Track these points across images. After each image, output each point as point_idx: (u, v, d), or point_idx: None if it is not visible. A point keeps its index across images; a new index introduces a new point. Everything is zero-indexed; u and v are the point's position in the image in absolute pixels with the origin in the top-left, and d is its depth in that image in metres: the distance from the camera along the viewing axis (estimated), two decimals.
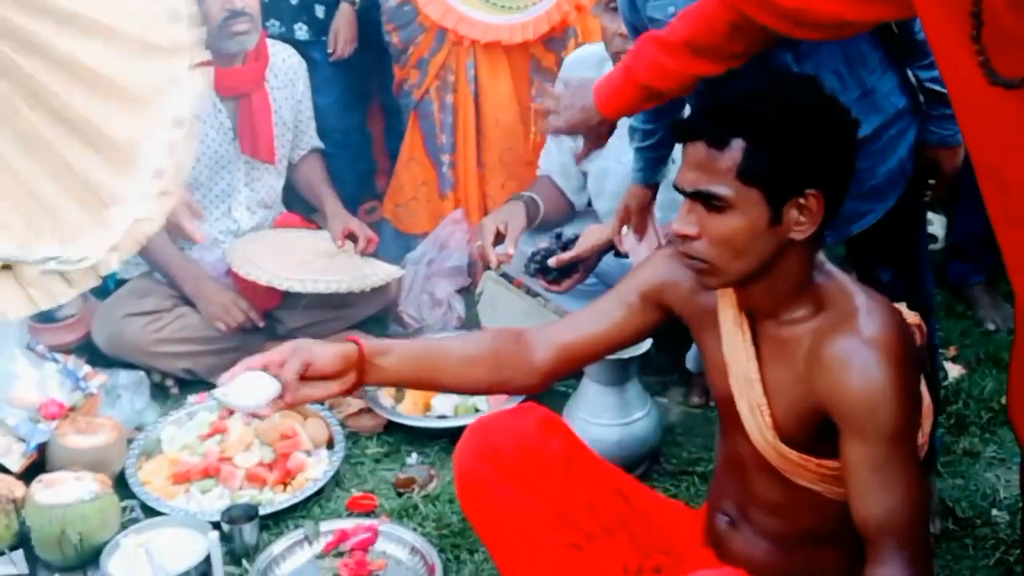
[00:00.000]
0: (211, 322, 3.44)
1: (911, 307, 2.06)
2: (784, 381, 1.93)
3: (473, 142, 3.83)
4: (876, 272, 2.84)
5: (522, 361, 2.09)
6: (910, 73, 2.59)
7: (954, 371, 3.34)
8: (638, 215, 2.77)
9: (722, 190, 1.81)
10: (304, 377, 1.89)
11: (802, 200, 1.82)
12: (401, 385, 2.05)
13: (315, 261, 3.54)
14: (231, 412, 3.19)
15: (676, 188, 1.88)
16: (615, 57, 2.98)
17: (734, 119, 1.80)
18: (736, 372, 1.98)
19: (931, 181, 2.73)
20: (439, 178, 3.89)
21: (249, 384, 1.88)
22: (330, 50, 3.97)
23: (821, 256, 1.94)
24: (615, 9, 2.92)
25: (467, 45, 3.71)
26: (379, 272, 3.56)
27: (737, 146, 1.79)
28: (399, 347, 2.03)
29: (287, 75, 3.63)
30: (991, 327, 3.64)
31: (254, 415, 3.02)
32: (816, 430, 1.90)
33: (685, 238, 1.87)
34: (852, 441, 1.83)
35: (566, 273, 3.04)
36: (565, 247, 3.04)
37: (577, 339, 2.11)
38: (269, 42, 3.59)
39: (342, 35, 3.96)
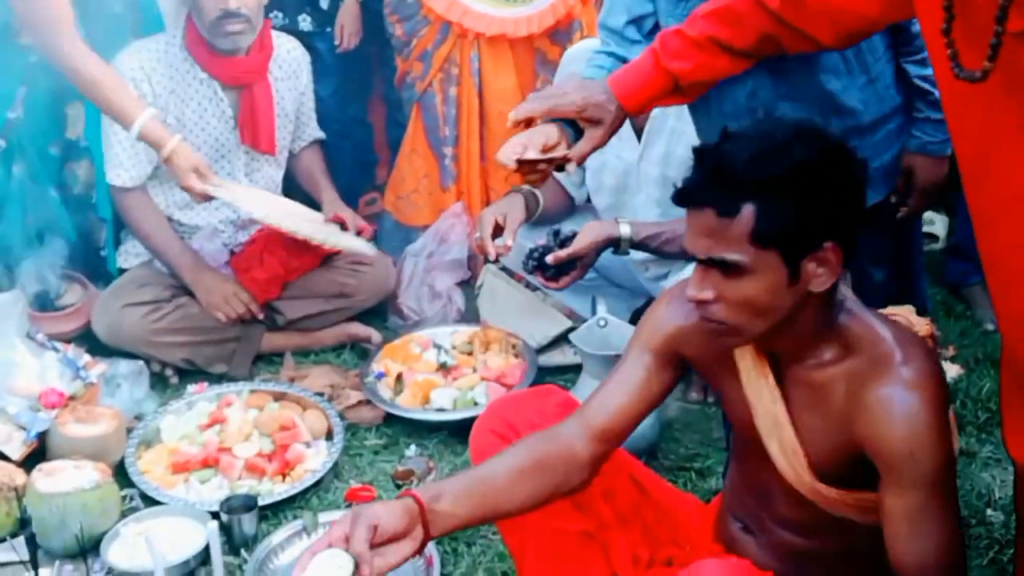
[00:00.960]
0: (211, 312, 3.45)
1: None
2: (819, 424, 1.89)
3: (476, 135, 3.83)
4: (868, 270, 2.84)
5: (566, 462, 2.01)
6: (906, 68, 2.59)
7: (952, 371, 3.33)
8: None
9: (738, 257, 1.76)
10: (374, 544, 1.78)
11: (820, 254, 1.77)
12: (470, 525, 1.99)
13: (298, 217, 3.53)
14: (230, 403, 3.21)
15: (684, 255, 1.85)
16: None
17: (743, 185, 1.74)
18: (763, 414, 1.94)
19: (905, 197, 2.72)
20: (441, 171, 3.89)
21: (324, 567, 1.76)
22: (336, 42, 3.97)
23: (842, 293, 1.90)
24: None
25: (471, 38, 3.71)
26: (354, 242, 3.54)
27: (748, 211, 1.74)
28: (449, 486, 1.92)
29: (291, 67, 3.63)
30: (990, 327, 3.64)
31: None
32: (854, 467, 1.87)
33: (702, 303, 1.83)
34: (893, 487, 1.80)
35: (564, 270, 3.04)
36: (563, 244, 3.04)
37: (611, 420, 2.04)
38: (274, 33, 3.59)
39: (348, 27, 3.96)
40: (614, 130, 2.26)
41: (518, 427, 2.15)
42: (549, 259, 2.99)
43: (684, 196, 1.81)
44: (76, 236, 3.52)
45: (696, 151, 1.82)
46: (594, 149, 2.24)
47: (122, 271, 3.58)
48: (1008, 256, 1.69)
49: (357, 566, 1.75)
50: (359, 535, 1.76)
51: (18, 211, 3.44)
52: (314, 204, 3.80)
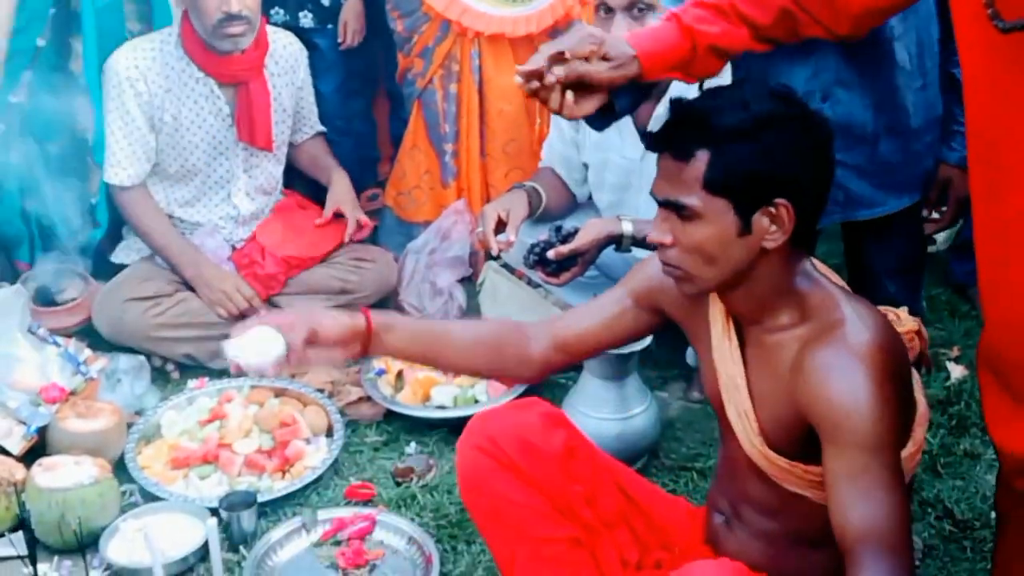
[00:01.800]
0: (212, 308, 3.44)
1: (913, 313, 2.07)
2: (769, 388, 1.95)
3: (476, 132, 3.82)
4: (884, 282, 2.84)
5: (520, 351, 2.16)
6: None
7: (956, 372, 3.33)
8: None
9: (690, 200, 1.84)
10: (310, 342, 1.97)
11: (772, 210, 1.83)
12: (402, 359, 2.15)
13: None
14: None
15: (651, 195, 1.92)
16: None
17: (697, 131, 1.83)
18: (724, 377, 2.00)
19: (937, 209, 2.71)
20: (442, 167, 3.89)
21: (258, 341, 1.95)
22: (340, 40, 3.96)
23: (809, 264, 1.95)
24: (606, 14, 2.92)
25: (472, 35, 3.70)
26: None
27: (702, 157, 1.82)
28: (404, 324, 2.14)
29: (287, 62, 3.61)
30: None
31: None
32: (802, 438, 1.91)
33: (661, 246, 1.91)
34: (830, 450, 1.82)
35: (565, 266, 3.02)
36: (564, 240, 3.03)
37: (574, 335, 2.18)
38: (270, 29, 3.57)
39: (351, 25, 3.95)
40: (625, 78, 2.08)
41: (500, 442, 2.18)
42: (550, 254, 2.98)
43: (649, 139, 1.93)
44: (78, 229, 3.54)
45: (671, 102, 1.91)
46: (611, 82, 2.06)
47: (123, 266, 3.57)
48: (1012, 229, 1.70)
49: (287, 355, 1.95)
50: (300, 330, 1.96)
51: (18, 200, 3.45)
52: (318, 193, 3.80)
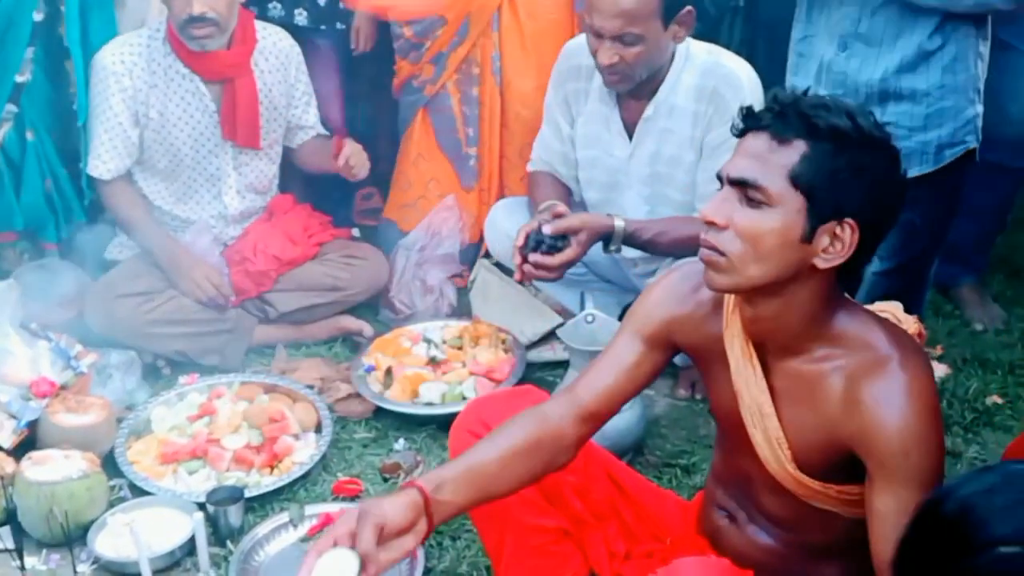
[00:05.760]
0: (186, 296, 3.46)
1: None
2: (806, 418, 1.90)
3: (498, 135, 3.83)
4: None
5: (555, 441, 2.06)
6: None
7: (939, 370, 3.34)
8: None
9: (770, 184, 1.78)
10: (379, 542, 1.77)
11: (838, 228, 1.79)
12: (464, 511, 2.02)
13: None
14: (220, 395, 3.23)
15: (719, 175, 1.86)
16: (599, 69, 3.01)
17: (805, 121, 1.77)
18: (748, 403, 1.95)
19: None
20: (461, 172, 3.88)
21: (329, 567, 1.75)
22: (352, 47, 3.95)
23: (847, 299, 1.91)
24: (597, 39, 2.94)
25: (493, 38, 3.71)
26: None
27: (799, 146, 1.77)
28: (450, 476, 1.92)
29: (278, 59, 3.59)
30: (979, 327, 3.66)
31: None
32: (839, 464, 1.88)
33: (711, 225, 1.83)
34: (884, 485, 1.80)
35: (559, 247, 2.99)
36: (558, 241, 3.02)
37: (597, 400, 2.09)
38: (260, 25, 3.56)
39: (363, 30, 3.93)
40: None
41: (494, 427, 2.14)
42: (546, 229, 2.96)
43: (749, 116, 1.85)
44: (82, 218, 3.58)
45: (779, 89, 1.86)
46: None
47: (115, 263, 3.59)
48: None
49: (363, 565, 1.74)
50: (366, 536, 1.75)
51: (37, 181, 3.49)
52: (315, 197, 3.81)
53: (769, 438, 1.94)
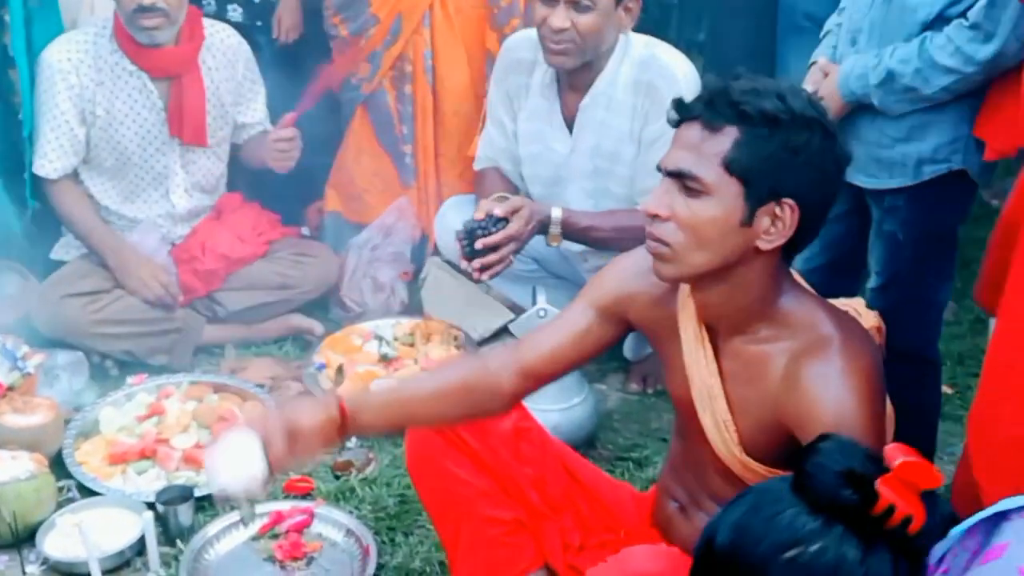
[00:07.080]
0: (134, 296, 3.43)
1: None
2: (751, 399, 1.92)
3: (431, 132, 3.82)
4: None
5: (490, 389, 2.10)
6: None
7: None
8: None
9: (704, 174, 1.80)
10: (291, 446, 1.89)
11: (778, 209, 1.80)
12: (380, 432, 2.08)
13: None
14: (169, 394, 3.20)
15: (659, 168, 1.88)
16: (543, 43, 3.00)
17: (735, 107, 1.79)
18: (699, 385, 1.97)
19: None
20: (399, 169, 3.87)
21: (236, 454, 1.86)
22: (274, 35, 3.94)
23: (795, 280, 1.93)
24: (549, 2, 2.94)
25: (425, 35, 3.70)
26: None
27: (730, 133, 1.79)
28: (375, 403, 2.04)
29: (225, 55, 3.56)
30: (950, 318, 3.64)
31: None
32: (783, 446, 1.89)
33: (654, 218, 1.86)
34: None
35: (485, 254, 2.98)
36: (496, 224, 2.99)
37: (540, 359, 2.11)
38: (207, 22, 3.54)
39: (285, 21, 3.93)
40: None
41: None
42: (497, 211, 2.93)
43: (681, 107, 1.86)
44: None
45: (710, 77, 1.89)
46: None
47: (61, 263, 3.55)
48: None
49: (266, 451, 1.86)
50: (277, 437, 1.88)
51: None
52: (263, 196, 3.80)
53: (717, 421, 1.95)
